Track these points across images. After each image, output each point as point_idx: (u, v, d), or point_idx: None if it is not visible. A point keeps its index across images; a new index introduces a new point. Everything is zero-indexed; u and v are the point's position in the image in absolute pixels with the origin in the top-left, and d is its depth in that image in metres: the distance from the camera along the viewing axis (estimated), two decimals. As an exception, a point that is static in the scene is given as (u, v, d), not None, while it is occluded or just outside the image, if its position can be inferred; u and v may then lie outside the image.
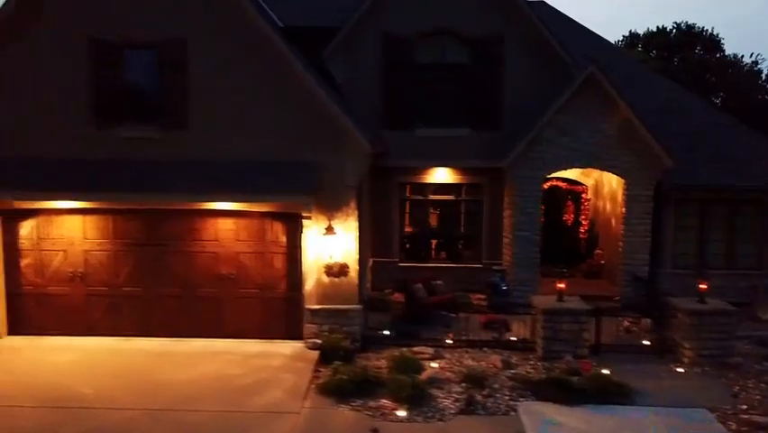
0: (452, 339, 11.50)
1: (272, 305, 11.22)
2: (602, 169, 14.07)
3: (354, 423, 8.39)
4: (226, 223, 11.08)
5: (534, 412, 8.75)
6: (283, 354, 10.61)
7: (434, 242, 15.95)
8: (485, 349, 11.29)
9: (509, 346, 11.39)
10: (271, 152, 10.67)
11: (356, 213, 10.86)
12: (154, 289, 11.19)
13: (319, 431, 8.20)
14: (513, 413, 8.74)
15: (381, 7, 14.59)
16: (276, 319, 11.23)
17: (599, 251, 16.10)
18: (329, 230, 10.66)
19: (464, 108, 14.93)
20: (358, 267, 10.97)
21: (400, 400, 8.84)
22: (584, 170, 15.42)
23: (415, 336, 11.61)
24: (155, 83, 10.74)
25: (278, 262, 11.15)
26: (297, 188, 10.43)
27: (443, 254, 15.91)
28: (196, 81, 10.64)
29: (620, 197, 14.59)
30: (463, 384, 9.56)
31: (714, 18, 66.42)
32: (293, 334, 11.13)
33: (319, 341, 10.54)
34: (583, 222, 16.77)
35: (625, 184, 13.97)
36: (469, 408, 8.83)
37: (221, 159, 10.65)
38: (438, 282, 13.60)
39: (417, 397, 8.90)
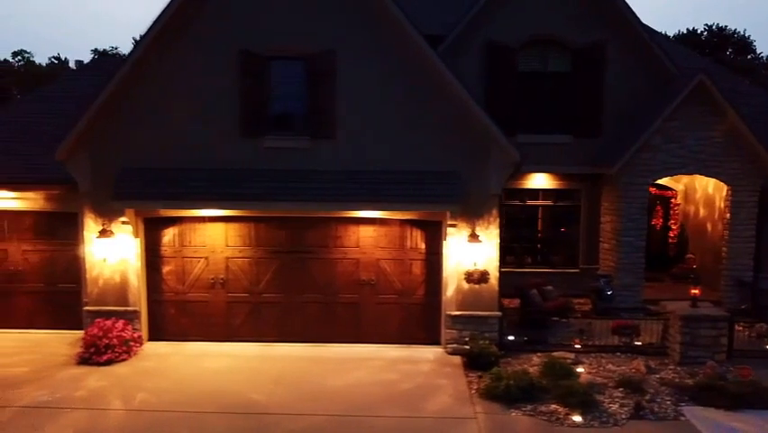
0: (579, 344, 11.67)
1: (410, 310, 11.40)
2: (708, 176, 14.23)
3: (534, 428, 8.54)
4: (367, 230, 11.26)
5: (703, 418, 8.91)
6: (427, 360, 10.79)
7: (530, 247, 16.14)
8: (618, 354, 11.47)
9: (640, 351, 11.55)
10: (417, 161, 10.79)
11: (497, 220, 11.05)
12: (294, 295, 11.37)
13: (506, 437, 8.36)
14: (683, 418, 8.92)
15: (487, 15, 14.75)
16: (414, 325, 11.41)
17: (691, 255, 16.28)
18: (473, 237, 10.82)
19: (565, 115, 15.10)
20: (498, 274, 11.13)
21: (570, 406, 8.99)
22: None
23: (542, 342, 11.79)
24: (302, 94, 10.84)
25: (417, 269, 11.32)
26: (444, 198, 10.60)
27: (540, 259, 16.10)
28: (343, 91, 10.74)
29: (719, 202, 14.80)
30: (621, 389, 9.73)
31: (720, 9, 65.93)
32: (431, 339, 11.32)
33: (467, 347, 10.68)
34: (672, 226, 16.93)
35: (730, 190, 14.13)
36: (638, 413, 9.00)
37: (367, 168, 10.77)
38: (549, 288, 13.76)
39: (586, 402, 9.07)
